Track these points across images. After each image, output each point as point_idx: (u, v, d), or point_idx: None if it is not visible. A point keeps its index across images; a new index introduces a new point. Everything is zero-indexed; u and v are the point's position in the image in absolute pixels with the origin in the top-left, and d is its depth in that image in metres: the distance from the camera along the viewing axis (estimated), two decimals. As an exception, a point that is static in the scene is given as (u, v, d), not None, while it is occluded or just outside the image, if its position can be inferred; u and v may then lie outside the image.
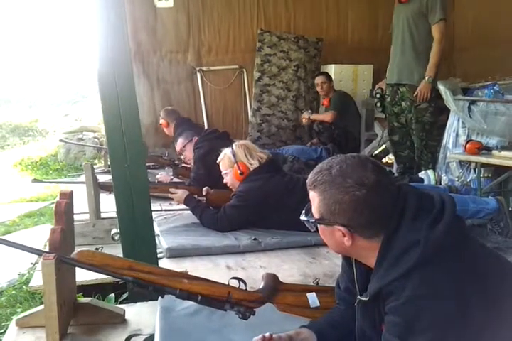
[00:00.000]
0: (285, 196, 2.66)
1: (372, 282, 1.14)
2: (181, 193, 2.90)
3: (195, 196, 2.91)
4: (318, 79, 5.08)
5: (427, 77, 3.61)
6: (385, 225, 1.10)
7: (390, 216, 1.10)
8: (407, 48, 3.75)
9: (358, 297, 1.21)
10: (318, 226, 1.17)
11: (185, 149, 3.84)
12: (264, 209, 2.70)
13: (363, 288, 1.20)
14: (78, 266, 1.45)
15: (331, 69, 5.45)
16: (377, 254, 1.11)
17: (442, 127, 3.78)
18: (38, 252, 1.48)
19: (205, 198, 2.93)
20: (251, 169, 2.80)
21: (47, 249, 1.55)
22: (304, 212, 1.20)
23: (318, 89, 5.12)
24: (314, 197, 1.15)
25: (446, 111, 3.73)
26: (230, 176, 2.88)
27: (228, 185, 2.93)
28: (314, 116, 5.11)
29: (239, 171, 2.80)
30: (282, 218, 2.64)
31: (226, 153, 2.89)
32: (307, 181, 1.18)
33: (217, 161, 2.95)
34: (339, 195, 1.09)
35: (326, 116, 4.95)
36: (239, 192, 2.77)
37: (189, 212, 2.93)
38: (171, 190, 2.94)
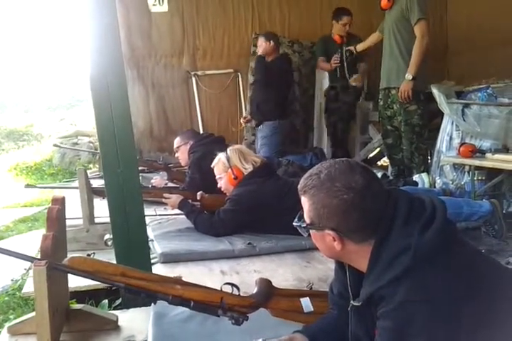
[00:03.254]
0: (279, 200, 2.65)
1: (364, 287, 1.14)
2: (175, 198, 2.89)
3: (190, 201, 2.90)
4: (348, 19, 4.71)
5: (406, 75, 3.63)
6: (376, 229, 1.10)
7: (380, 220, 1.10)
8: (394, 53, 3.82)
9: (351, 302, 1.21)
10: (310, 231, 1.17)
11: (179, 150, 3.83)
12: (259, 213, 2.69)
13: (356, 292, 1.20)
14: (70, 273, 1.44)
15: (326, 72, 5.43)
16: (368, 259, 1.11)
17: (435, 130, 3.79)
18: (30, 259, 1.46)
19: (199, 203, 2.92)
20: (245, 173, 2.80)
21: (39, 256, 1.54)
22: (296, 217, 1.21)
23: (345, 28, 4.73)
24: (305, 202, 1.16)
25: (439, 115, 3.75)
26: (224, 180, 2.87)
27: (222, 189, 2.92)
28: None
29: (233, 175, 2.80)
30: (277, 222, 2.63)
31: (220, 157, 2.89)
32: (298, 187, 1.18)
33: (212, 166, 2.94)
34: (328, 199, 1.10)
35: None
36: (233, 196, 2.77)
37: (183, 216, 2.91)
38: (164, 194, 2.93)
